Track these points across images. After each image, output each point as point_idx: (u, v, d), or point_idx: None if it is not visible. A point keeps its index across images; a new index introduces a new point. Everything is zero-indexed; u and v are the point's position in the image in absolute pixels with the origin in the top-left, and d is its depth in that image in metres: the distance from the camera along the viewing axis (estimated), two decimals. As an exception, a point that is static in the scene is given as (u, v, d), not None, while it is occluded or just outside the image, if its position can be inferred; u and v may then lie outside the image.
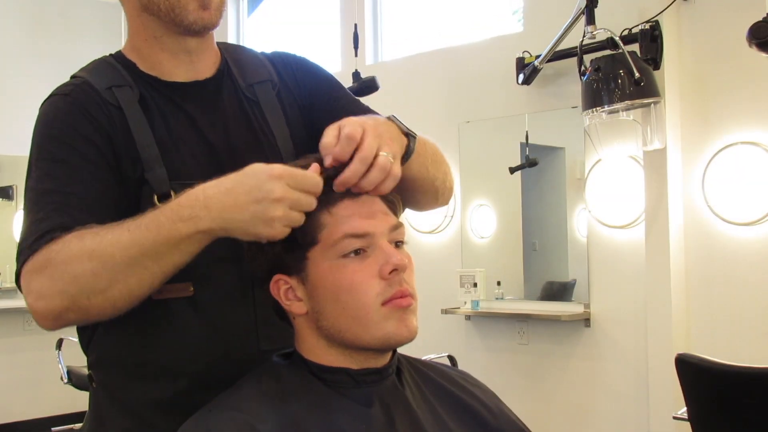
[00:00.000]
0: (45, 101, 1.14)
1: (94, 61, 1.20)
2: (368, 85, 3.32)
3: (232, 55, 1.25)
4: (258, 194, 0.93)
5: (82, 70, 1.19)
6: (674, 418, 2.68)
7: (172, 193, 1.06)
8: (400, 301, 0.98)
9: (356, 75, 3.71)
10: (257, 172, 0.95)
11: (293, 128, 1.22)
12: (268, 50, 1.30)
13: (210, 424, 0.95)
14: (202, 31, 1.15)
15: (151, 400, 1.10)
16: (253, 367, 1.07)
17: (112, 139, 1.10)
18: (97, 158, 1.08)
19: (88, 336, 1.15)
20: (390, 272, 0.98)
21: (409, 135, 1.07)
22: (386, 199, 1.03)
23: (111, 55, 1.21)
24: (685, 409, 2.43)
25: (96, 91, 1.12)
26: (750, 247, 3.20)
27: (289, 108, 1.23)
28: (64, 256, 0.98)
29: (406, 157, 1.06)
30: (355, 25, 4.02)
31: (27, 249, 1.02)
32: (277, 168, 0.95)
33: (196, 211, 0.95)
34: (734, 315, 3.24)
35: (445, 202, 1.27)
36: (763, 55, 2.53)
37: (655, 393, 3.34)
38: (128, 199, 1.09)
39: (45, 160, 1.08)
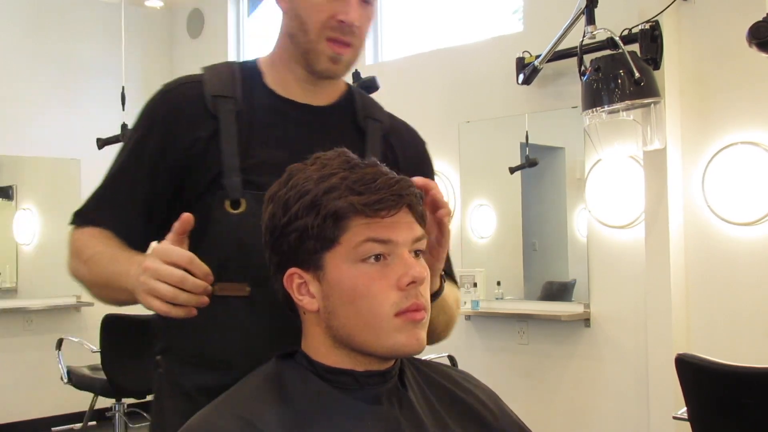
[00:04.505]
0: (161, 88, 1.28)
1: (224, 64, 1.30)
2: (368, 85, 3.31)
3: (360, 93, 1.35)
4: (144, 266, 1.04)
5: (209, 68, 1.28)
6: (674, 418, 2.68)
7: (243, 201, 1.17)
8: (414, 314, 0.98)
9: (356, 75, 3.70)
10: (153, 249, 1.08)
11: None
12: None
13: (212, 424, 0.95)
14: (328, 78, 1.26)
15: (205, 388, 1.16)
16: None
17: (195, 141, 1.21)
18: (159, 160, 1.22)
19: (160, 325, 1.26)
20: (408, 284, 0.98)
21: (441, 277, 1.17)
22: (414, 210, 1.02)
23: (244, 61, 1.31)
24: (685, 409, 2.43)
25: (202, 95, 1.22)
26: (750, 247, 3.20)
27: (390, 155, 1.31)
28: (78, 247, 1.23)
29: (437, 294, 1.14)
30: (355, 25, 4.02)
31: (78, 218, 1.27)
32: (157, 246, 1.06)
33: (132, 272, 1.08)
34: (734, 315, 3.24)
35: (432, 344, 1.31)
36: (763, 55, 2.53)
37: (655, 393, 3.34)
38: (199, 202, 1.20)
39: (127, 147, 1.26)
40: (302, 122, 1.25)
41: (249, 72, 1.27)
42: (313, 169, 1.01)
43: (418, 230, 1.02)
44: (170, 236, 1.05)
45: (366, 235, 0.97)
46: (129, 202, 1.24)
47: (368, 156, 1.15)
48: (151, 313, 1.08)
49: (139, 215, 1.24)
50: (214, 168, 1.19)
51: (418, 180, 1.06)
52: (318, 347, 1.03)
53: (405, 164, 1.31)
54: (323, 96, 1.29)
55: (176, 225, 1.05)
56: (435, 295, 1.14)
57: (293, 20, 1.21)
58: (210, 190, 1.18)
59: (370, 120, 1.31)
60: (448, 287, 1.22)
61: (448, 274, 1.28)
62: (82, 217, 1.26)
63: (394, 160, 1.30)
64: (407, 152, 1.34)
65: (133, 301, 1.11)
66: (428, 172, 1.38)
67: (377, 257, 0.98)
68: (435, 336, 1.23)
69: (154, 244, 1.15)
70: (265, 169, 1.18)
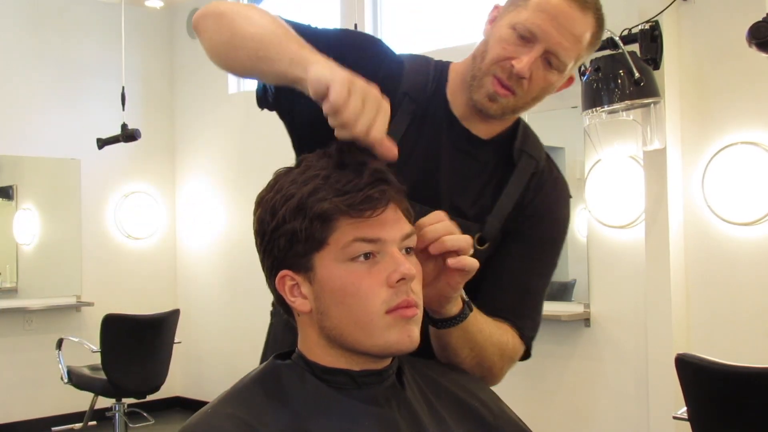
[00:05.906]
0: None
1: (424, 60, 1.33)
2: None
3: (525, 128, 1.35)
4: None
5: (411, 59, 1.32)
6: (674, 418, 2.68)
7: None
8: (404, 311, 0.98)
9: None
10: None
11: (513, 211, 1.28)
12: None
13: (210, 424, 0.95)
14: (479, 110, 1.24)
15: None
16: None
17: None
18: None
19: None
20: (398, 281, 0.97)
21: (465, 303, 1.14)
22: (402, 206, 1.03)
23: (439, 62, 1.35)
24: (685, 409, 2.43)
25: (399, 82, 1.26)
26: (750, 247, 3.20)
27: (527, 197, 1.30)
28: (245, 11, 1.17)
29: (454, 320, 1.12)
30: (355, 25, 4.03)
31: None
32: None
33: (327, 63, 1.05)
34: (734, 315, 3.24)
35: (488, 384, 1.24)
36: (763, 55, 2.53)
37: (655, 393, 3.34)
38: None
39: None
40: (453, 146, 1.26)
41: (439, 75, 1.31)
42: (297, 172, 1.01)
43: (407, 227, 1.02)
44: None
45: (354, 235, 0.97)
46: None
47: (506, 192, 1.22)
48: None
49: None
50: None
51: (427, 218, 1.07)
52: (313, 348, 1.02)
53: (530, 211, 1.30)
54: (483, 129, 1.28)
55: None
56: (452, 320, 1.12)
57: (482, 44, 1.26)
58: None
59: (524, 154, 1.31)
60: (486, 324, 1.18)
61: (508, 318, 1.26)
62: None
63: (528, 203, 1.30)
64: (537, 199, 1.32)
65: (277, 77, 1.10)
66: (547, 227, 1.33)
67: (366, 256, 0.98)
68: (477, 371, 1.20)
69: None
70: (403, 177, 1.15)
